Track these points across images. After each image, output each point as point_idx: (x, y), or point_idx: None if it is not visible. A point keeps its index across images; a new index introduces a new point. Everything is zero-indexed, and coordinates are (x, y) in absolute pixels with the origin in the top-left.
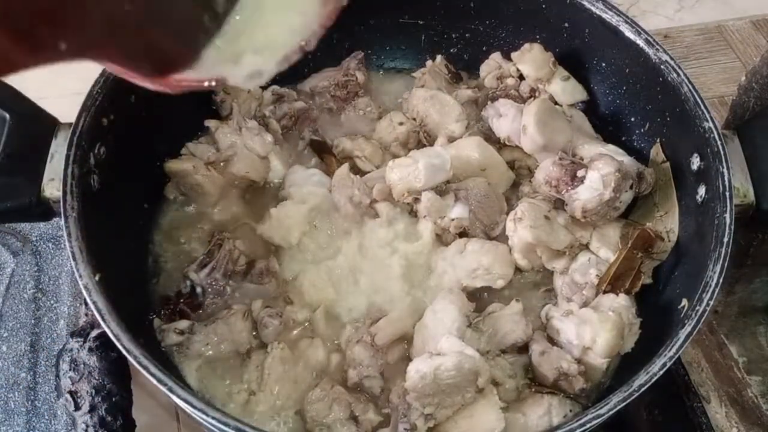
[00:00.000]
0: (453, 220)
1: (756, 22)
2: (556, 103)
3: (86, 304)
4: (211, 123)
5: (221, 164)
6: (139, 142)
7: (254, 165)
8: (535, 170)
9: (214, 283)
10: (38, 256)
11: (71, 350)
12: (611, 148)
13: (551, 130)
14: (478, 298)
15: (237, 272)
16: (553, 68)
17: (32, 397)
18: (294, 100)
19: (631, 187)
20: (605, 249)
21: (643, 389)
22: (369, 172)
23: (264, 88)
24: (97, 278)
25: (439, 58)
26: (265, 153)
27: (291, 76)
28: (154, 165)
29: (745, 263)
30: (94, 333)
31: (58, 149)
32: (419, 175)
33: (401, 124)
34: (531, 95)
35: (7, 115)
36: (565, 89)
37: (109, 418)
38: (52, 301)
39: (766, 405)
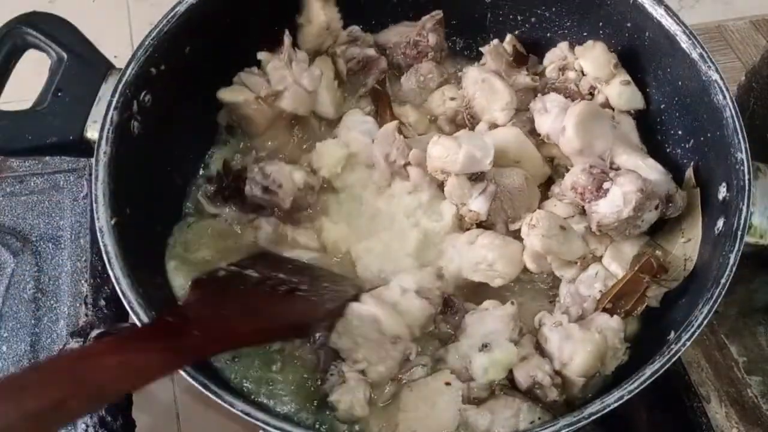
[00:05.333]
0: (471, 211)
1: (756, 22)
2: (609, 106)
3: (86, 304)
4: (262, 56)
5: (271, 98)
6: (190, 92)
7: (303, 101)
8: (558, 176)
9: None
10: (38, 256)
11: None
12: (650, 163)
13: (591, 135)
14: (481, 292)
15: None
16: (613, 70)
17: None
18: (368, 45)
19: (656, 208)
20: (616, 265)
21: (593, 417)
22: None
23: (344, 27)
24: (113, 222)
25: (508, 37)
26: (313, 88)
27: (372, 23)
28: (202, 110)
29: (745, 263)
30: (94, 333)
31: (105, 93)
32: (457, 160)
33: (452, 99)
34: (590, 93)
35: (65, 55)
36: (622, 94)
37: (109, 418)
38: (52, 301)
39: (766, 405)
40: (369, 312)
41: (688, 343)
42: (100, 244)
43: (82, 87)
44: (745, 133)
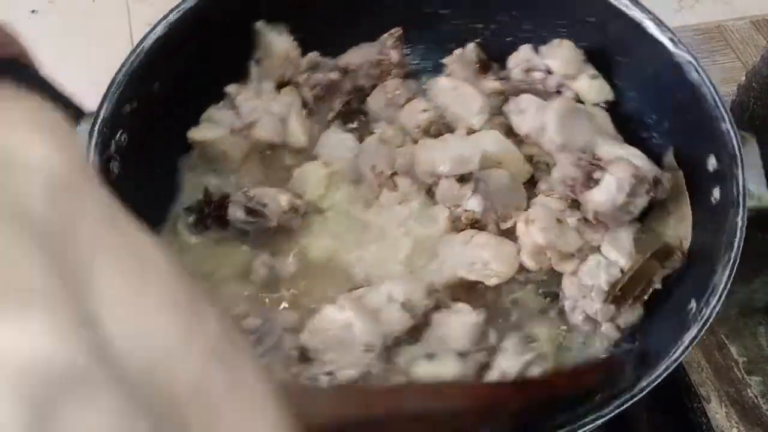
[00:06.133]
0: (467, 211)
1: (756, 22)
2: (580, 100)
3: None
4: (231, 89)
5: (246, 131)
6: (162, 127)
7: (276, 129)
8: (553, 167)
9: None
10: None
11: None
12: (631, 151)
13: (571, 129)
14: (476, 291)
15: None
16: (582, 65)
17: None
18: (330, 70)
19: (646, 192)
20: (616, 253)
21: (645, 391)
22: None
23: (303, 54)
24: None
25: (471, 45)
26: (284, 115)
27: (330, 48)
28: (179, 147)
29: (745, 263)
30: None
31: (81, 136)
32: (446, 160)
33: (424, 110)
34: (557, 91)
35: None
36: (592, 87)
37: None
38: None
39: (766, 405)
40: (345, 317)
41: (718, 307)
42: None
43: None
44: (725, 104)
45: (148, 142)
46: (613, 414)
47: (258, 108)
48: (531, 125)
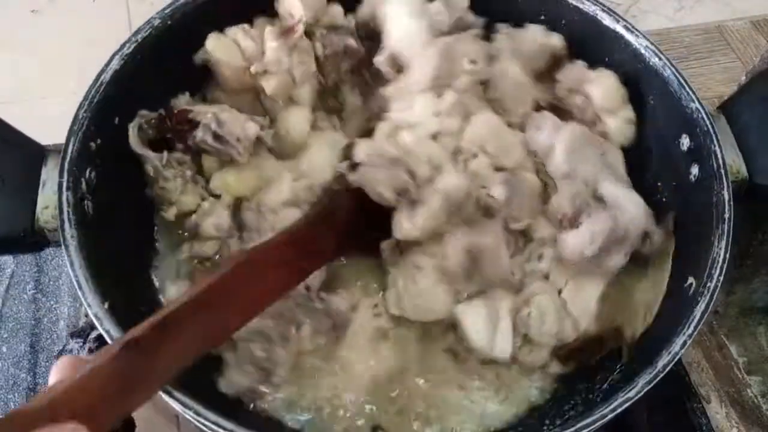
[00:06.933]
0: (489, 196)
1: (756, 22)
2: (605, 137)
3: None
4: (271, 33)
5: (259, 76)
6: (126, 164)
7: (285, 90)
8: (550, 188)
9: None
10: (38, 257)
11: (71, 351)
12: (632, 197)
13: (579, 158)
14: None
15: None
16: (622, 103)
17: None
18: (350, 34)
19: (625, 255)
20: (578, 307)
21: (667, 369)
22: None
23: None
24: (106, 306)
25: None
26: (300, 81)
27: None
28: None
29: (745, 263)
30: (94, 334)
31: (50, 176)
32: (493, 141)
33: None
34: (593, 122)
35: None
36: (621, 131)
37: None
38: (52, 302)
39: (766, 405)
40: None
41: (721, 278)
42: (101, 330)
43: (20, 174)
44: (690, 85)
45: (117, 180)
46: (640, 395)
47: (282, 62)
48: (542, 144)
